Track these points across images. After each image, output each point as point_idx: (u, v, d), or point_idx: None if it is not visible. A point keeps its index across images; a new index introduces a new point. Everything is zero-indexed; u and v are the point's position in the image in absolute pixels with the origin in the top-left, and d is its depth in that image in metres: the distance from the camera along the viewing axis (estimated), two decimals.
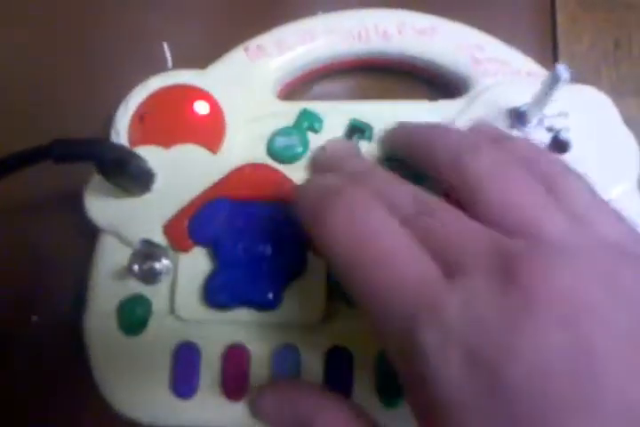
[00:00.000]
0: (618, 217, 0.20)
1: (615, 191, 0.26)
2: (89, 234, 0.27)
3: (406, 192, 0.20)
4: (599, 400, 0.14)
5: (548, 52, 0.32)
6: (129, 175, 0.25)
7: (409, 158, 0.24)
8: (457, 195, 0.21)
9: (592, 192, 0.21)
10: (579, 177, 0.21)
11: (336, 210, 0.20)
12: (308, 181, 0.23)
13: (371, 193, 0.20)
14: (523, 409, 0.15)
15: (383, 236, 0.19)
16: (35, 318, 0.28)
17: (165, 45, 0.30)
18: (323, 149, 0.27)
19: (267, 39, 0.29)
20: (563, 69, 0.22)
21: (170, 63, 0.30)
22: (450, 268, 0.17)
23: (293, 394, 0.23)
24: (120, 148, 0.24)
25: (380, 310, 0.18)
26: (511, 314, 0.16)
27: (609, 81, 0.31)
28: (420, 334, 0.16)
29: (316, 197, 0.21)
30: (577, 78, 0.27)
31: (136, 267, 0.24)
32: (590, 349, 0.15)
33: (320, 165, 0.26)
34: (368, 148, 0.27)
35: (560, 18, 0.33)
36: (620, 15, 0.33)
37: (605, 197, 0.25)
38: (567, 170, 0.21)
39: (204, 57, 0.29)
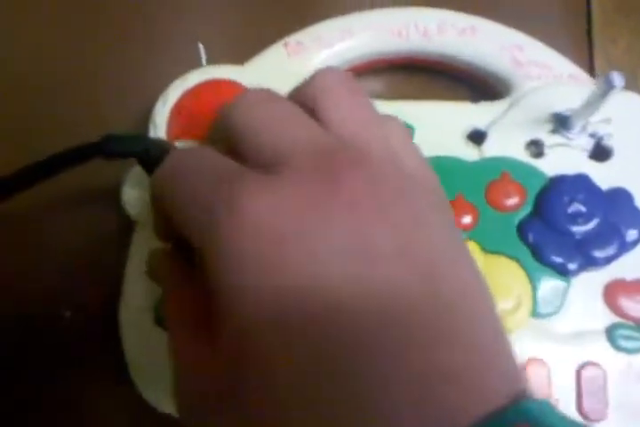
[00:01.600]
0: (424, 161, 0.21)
1: None
2: (120, 228, 0.27)
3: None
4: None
5: (584, 55, 0.32)
6: None
7: None
8: None
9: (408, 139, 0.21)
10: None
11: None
12: None
13: None
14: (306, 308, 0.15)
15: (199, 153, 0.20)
16: (67, 313, 0.28)
17: (200, 46, 0.29)
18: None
19: (306, 35, 0.29)
20: (617, 77, 0.22)
21: (204, 63, 0.30)
22: (265, 155, 0.18)
23: None
24: (165, 143, 0.24)
25: (184, 213, 0.18)
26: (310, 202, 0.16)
27: None
28: (217, 226, 0.16)
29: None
30: None
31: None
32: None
33: None
34: None
35: (596, 21, 0.33)
36: None
37: None
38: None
39: (242, 53, 0.29)
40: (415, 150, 0.21)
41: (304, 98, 0.20)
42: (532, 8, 0.32)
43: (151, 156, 0.23)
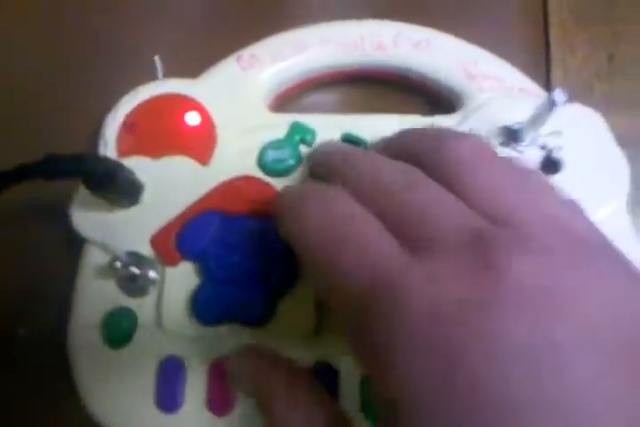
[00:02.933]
0: (583, 214, 0.20)
1: (604, 210, 0.26)
2: (77, 245, 0.27)
3: (392, 170, 0.21)
4: (558, 398, 0.14)
5: (541, 65, 0.32)
6: (116, 188, 0.24)
7: None
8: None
9: (557, 191, 0.21)
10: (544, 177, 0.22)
11: (309, 204, 0.20)
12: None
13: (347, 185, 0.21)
14: (480, 398, 0.14)
15: (347, 220, 0.19)
16: (21, 330, 0.28)
17: (157, 59, 0.29)
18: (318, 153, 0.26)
19: (260, 49, 0.29)
20: (559, 94, 0.22)
21: (160, 76, 0.30)
22: (419, 243, 0.18)
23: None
24: (109, 162, 0.24)
25: (340, 291, 0.18)
26: (477, 295, 0.16)
27: (602, 95, 0.31)
28: (376, 309, 0.17)
29: (293, 197, 0.22)
30: (570, 92, 0.26)
31: (118, 264, 0.24)
32: (555, 343, 0.15)
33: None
34: None
35: (553, 31, 0.33)
36: (613, 28, 0.33)
37: (594, 216, 0.25)
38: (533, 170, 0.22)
39: (195, 66, 0.29)
40: (574, 207, 0.20)
41: (437, 167, 0.20)
42: (488, 20, 0.32)
43: (96, 175, 0.23)
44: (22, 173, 0.20)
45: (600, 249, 0.18)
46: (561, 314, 0.15)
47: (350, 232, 0.19)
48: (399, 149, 0.23)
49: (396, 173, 0.20)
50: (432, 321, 0.16)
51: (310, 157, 0.26)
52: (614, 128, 0.27)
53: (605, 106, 0.28)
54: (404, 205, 0.19)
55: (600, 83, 0.32)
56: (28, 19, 0.33)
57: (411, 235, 0.18)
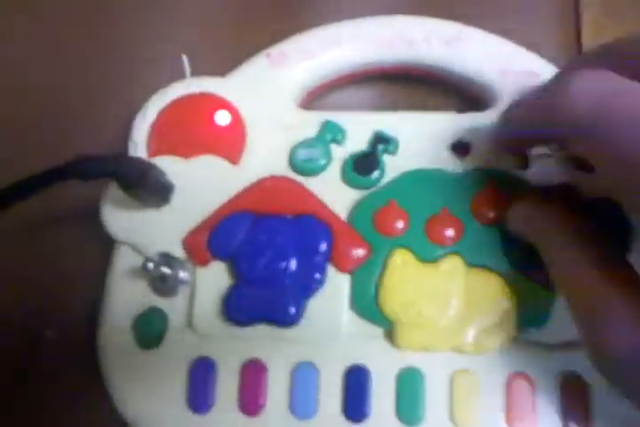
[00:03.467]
0: None
1: None
2: (107, 247, 0.27)
3: None
4: None
5: None
6: (148, 188, 0.24)
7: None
8: None
9: None
10: None
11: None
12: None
13: None
14: None
15: None
16: (49, 333, 0.28)
17: (184, 58, 0.29)
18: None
19: (290, 46, 0.29)
20: None
21: (188, 75, 0.29)
22: None
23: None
24: (141, 162, 0.24)
25: None
26: None
27: None
28: None
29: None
30: None
31: (151, 265, 0.24)
32: None
33: None
34: (392, 161, 0.26)
35: (585, 28, 0.32)
36: None
37: None
38: None
39: (223, 65, 0.29)
40: None
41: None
42: (519, 15, 0.31)
43: (128, 175, 0.22)
44: (54, 175, 0.20)
45: None
46: None
47: None
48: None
49: None
50: None
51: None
52: None
53: None
54: None
55: None
56: (50, 18, 0.33)
57: None
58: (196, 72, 0.29)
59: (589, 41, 0.31)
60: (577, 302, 0.20)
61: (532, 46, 0.28)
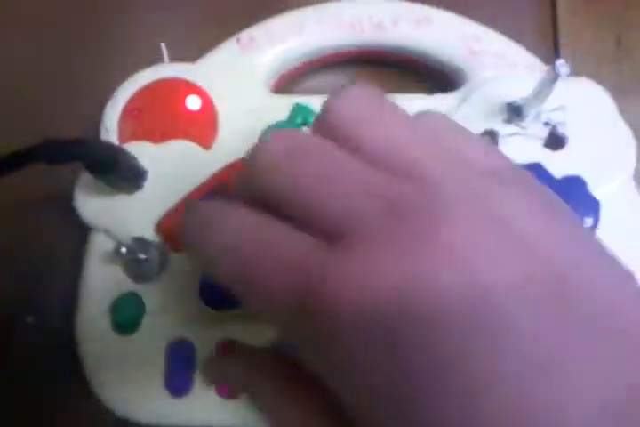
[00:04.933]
0: (487, 148, 0.19)
1: (612, 184, 0.26)
2: (84, 232, 0.27)
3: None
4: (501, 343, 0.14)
5: (549, 48, 0.31)
6: (119, 173, 0.24)
7: None
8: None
9: (456, 127, 0.20)
10: (441, 115, 0.20)
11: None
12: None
13: None
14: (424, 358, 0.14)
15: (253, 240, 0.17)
16: (30, 318, 0.28)
17: (163, 45, 0.29)
18: None
19: (259, 30, 0.29)
20: (562, 65, 0.22)
21: (167, 62, 0.29)
22: (334, 231, 0.16)
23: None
24: (110, 146, 0.24)
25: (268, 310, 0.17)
26: (404, 258, 0.15)
27: (609, 78, 0.31)
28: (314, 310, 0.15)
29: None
30: (578, 75, 0.26)
31: (124, 250, 0.24)
32: (485, 288, 0.14)
33: None
34: None
35: (561, 13, 0.32)
36: (621, 11, 0.32)
37: (601, 190, 0.25)
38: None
39: (194, 51, 0.29)
40: (470, 137, 0.19)
41: (330, 130, 0.18)
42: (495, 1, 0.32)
43: (96, 160, 0.22)
44: (22, 158, 0.20)
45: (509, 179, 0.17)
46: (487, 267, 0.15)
47: (261, 254, 0.17)
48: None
49: None
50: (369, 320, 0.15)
51: None
52: (623, 111, 0.27)
53: (613, 89, 0.27)
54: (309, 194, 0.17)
55: (607, 66, 0.31)
56: (31, 4, 0.33)
57: (322, 225, 0.16)
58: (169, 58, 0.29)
59: (565, 27, 0.32)
60: None
61: (509, 31, 0.29)
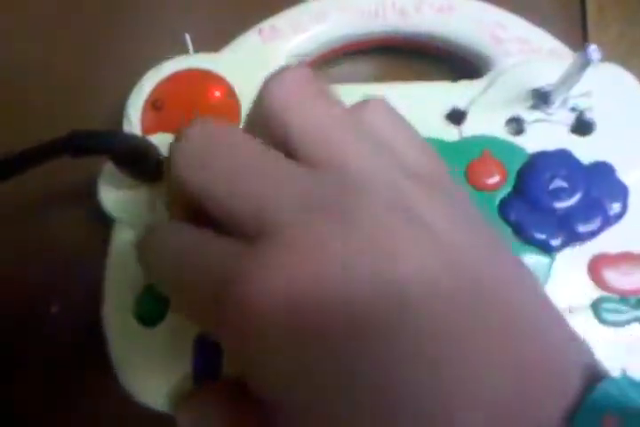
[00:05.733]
0: (423, 149, 0.19)
1: (638, 172, 0.25)
2: (106, 224, 0.27)
3: None
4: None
5: (576, 37, 0.31)
6: (144, 166, 0.24)
7: None
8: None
9: (396, 121, 0.20)
10: (383, 105, 0.20)
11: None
12: None
13: None
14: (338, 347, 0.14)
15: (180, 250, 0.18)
16: (54, 309, 0.28)
17: (187, 36, 0.28)
18: None
19: (280, 20, 0.28)
20: (593, 50, 0.22)
21: (191, 53, 0.29)
22: (254, 231, 0.16)
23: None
24: (137, 139, 0.24)
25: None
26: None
27: (637, 72, 0.30)
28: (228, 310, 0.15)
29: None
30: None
31: None
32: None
33: None
34: None
35: (589, 8, 0.32)
36: None
37: (627, 177, 0.25)
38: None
39: (216, 42, 0.29)
40: (408, 134, 0.19)
41: (261, 121, 0.18)
42: None
43: (122, 152, 0.22)
44: (49, 150, 0.20)
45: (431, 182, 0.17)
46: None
47: (187, 263, 0.17)
48: None
49: None
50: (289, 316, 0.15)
51: None
52: None
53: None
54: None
55: (636, 59, 0.30)
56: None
57: (239, 223, 0.16)
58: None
59: (592, 21, 0.31)
60: None
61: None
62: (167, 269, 0.18)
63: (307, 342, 0.15)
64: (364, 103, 0.19)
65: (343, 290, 0.15)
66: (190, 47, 0.29)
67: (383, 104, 0.20)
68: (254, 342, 0.15)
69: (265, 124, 0.18)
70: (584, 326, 0.24)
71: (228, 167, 0.17)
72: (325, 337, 0.15)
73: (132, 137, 0.24)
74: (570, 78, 0.24)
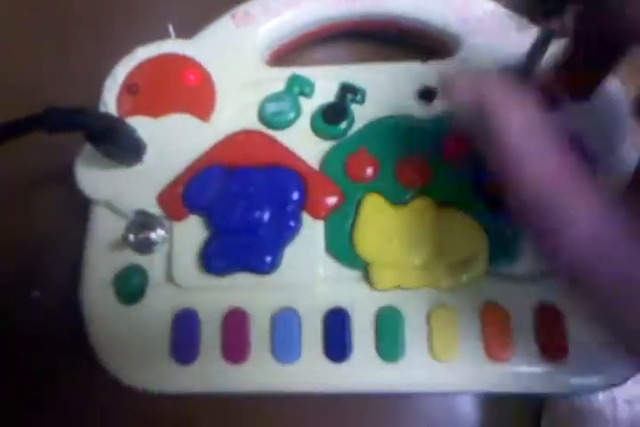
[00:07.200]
0: None
1: None
2: (85, 206, 0.27)
3: None
4: None
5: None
6: (119, 144, 0.24)
7: None
8: None
9: None
10: None
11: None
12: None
13: None
14: None
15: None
16: (36, 292, 0.28)
17: (170, 27, 0.29)
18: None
19: (253, 5, 0.29)
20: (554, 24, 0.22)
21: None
22: None
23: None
24: (110, 116, 0.24)
25: None
26: None
27: None
28: None
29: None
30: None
31: (132, 237, 0.24)
32: None
33: None
34: (361, 111, 0.27)
35: None
36: None
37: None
38: None
39: (191, 28, 0.29)
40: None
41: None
42: None
43: (96, 129, 0.23)
44: (24, 125, 0.20)
45: None
46: None
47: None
48: None
49: None
50: None
51: None
52: None
53: None
54: None
55: None
56: None
57: None
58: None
59: None
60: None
61: None
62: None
63: None
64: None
65: None
66: (173, 36, 0.30)
67: None
68: None
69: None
70: (554, 289, 0.24)
71: None
72: None
73: (107, 115, 0.24)
74: (536, 51, 0.24)
